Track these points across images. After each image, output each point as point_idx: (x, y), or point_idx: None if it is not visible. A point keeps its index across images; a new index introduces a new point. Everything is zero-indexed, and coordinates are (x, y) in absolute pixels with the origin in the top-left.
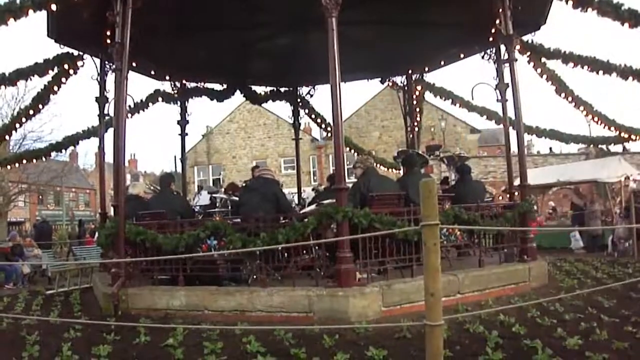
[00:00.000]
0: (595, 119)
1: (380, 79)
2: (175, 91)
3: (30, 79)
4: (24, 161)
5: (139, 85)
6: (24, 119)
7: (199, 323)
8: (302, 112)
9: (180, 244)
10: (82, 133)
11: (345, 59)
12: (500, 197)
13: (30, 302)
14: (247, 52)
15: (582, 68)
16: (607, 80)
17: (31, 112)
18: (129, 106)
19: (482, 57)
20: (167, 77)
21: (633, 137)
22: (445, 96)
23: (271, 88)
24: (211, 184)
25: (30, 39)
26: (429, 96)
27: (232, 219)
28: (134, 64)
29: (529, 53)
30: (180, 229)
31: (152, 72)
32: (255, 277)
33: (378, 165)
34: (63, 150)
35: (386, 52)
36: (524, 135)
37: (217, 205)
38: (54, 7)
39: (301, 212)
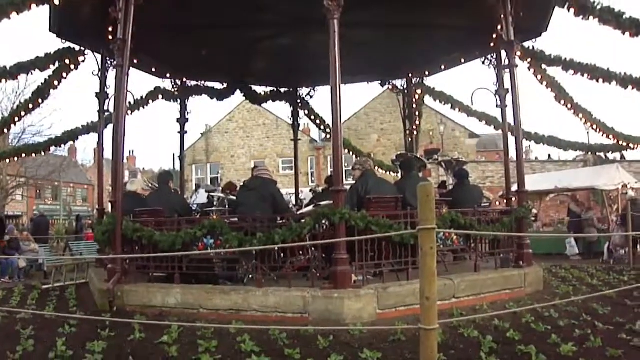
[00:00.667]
0: (594, 126)
1: (380, 81)
2: (176, 89)
3: (31, 73)
4: (23, 155)
5: (139, 82)
6: (23, 113)
7: (194, 321)
8: (301, 113)
9: (177, 241)
10: (82, 128)
11: (346, 61)
12: (498, 203)
13: (25, 296)
14: (248, 52)
15: (582, 76)
16: (607, 88)
17: (31, 106)
18: (129, 103)
19: (483, 63)
20: (168, 75)
21: (631, 145)
22: (444, 100)
23: (271, 88)
24: (209, 182)
25: (31, 33)
26: (428, 100)
27: (229, 218)
28: (135, 61)
29: (529, 59)
30: (177, 226)
31: (153, 70)
32: (251, 276)
33: (376, 167)
34: (62, 145)
35: (387, 55)
36: (523, 141)
37: (215, 204)
38: (56, 1)
39: (298, 213)
